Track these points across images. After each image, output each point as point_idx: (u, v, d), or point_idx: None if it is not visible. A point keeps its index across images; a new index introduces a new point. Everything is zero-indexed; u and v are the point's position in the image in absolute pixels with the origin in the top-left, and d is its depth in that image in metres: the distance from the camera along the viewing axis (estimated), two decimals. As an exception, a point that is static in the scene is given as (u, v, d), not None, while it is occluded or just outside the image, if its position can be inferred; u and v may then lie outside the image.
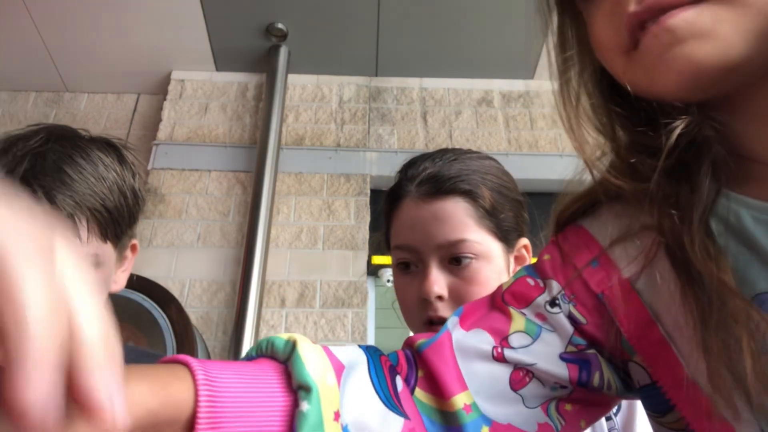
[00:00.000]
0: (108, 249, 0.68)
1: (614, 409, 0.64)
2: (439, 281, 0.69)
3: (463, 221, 0.70)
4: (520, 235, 0.76)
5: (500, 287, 0.50)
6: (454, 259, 0.70)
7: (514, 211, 0.75)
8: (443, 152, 0.77)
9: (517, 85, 2.63)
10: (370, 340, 2.08)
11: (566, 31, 0.47)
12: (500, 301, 0.48)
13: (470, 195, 0.71)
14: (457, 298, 0.69)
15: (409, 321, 0.74)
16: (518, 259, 0.76)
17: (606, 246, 0.45)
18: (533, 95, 2.61)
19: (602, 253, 0.45)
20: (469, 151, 0.79)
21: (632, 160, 0.41)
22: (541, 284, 0.47)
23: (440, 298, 0.69)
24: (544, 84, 2.64)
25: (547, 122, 2.53)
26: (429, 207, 0.71)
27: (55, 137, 0.68)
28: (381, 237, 0.82)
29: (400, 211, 0.74)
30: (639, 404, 0.63)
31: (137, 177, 0.73)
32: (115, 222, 0.68)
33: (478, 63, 2.56)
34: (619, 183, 0.42)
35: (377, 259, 2.18)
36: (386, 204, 0.79)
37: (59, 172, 0.63)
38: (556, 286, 0.46)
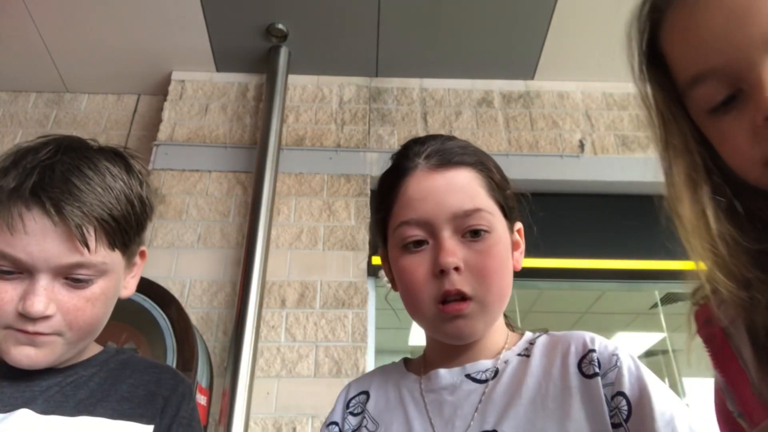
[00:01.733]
0: (116, 257, 0.70)
1: (624, 415, 0.60)
2: (455, 251, 0.66)
3: (476, 190, 0.69)
4: (516, 219, 0.76)
5: (726, 411, 0.55)
6: (470, 233, 0.67)
7: (513, 195, 0.75)
8: (441, 135, 0.77)
9: (517, 86, 2.63)
10: (370, 341, 2.08)
11: (687, 141, 0.52)
12: (731, 418, 0.54)
13: (480, 166, 0.71)
14: (473, 270, 0.66)
15: (417, 302, 0.69)
16: (515, 245, 0.75)
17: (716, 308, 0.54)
18: (533, 96, 2.61)
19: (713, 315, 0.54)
20: None
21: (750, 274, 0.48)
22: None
23: (457, 269, 0.66)
24: (544, 84, 2.64)
25: (547, 123, 2.53)
26: (442, 176, 0.69)
27: (64, 149, 0.69)
28: (375, 226, 0.77)
29: (408, 186, 0.70)
30: (655, 408, 0.58)
31: (144, 185, 0.74)
32: (123, 231, 0.69)
33: (478, 63, 2.56)
34: (739, 294, 0.48)
35: (378, 260, 2.18)
36: (387, 182, 0.74)
37: (67, 184, 0.65)
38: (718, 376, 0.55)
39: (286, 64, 2.43)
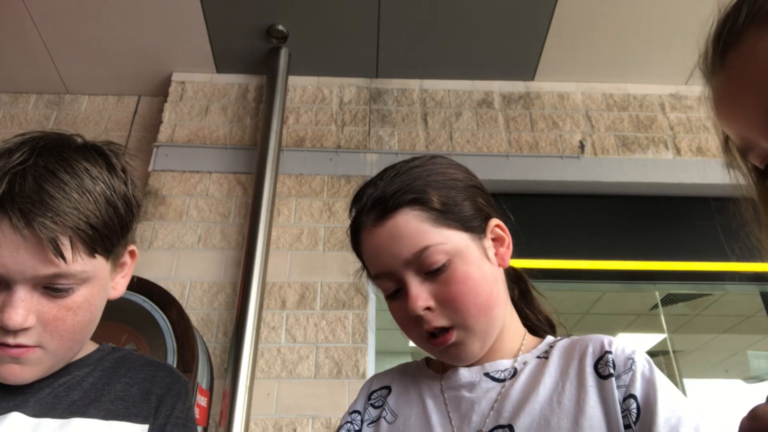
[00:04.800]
0: (98, 263, 0.67)
1: (633, 417, 0.61)
2: (420, 295, 0.68)
3: (419, 229, 0.69)
4: (488, 218, 0.75)
5: None
6: (429, 271, 0.69)
7: (470, 199, 0.74)
8: (386, 171, 0.76)
9: (517, 87, 2.63)
10: (371, 342, 2.08)
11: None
12: None
13: (417, 202, 0.70)
14: (444, 302, 0.68)
15: (413, 340, 0.74)
16: (497, 240, 0.75)
17: None
18: (534, 96, 2.61)
19: None
20: (414, 159, 0.77)
21: None
22: None
23: (429, 309, 0.68)
24: (544, 85, 2.64)
25: (547, 123, 2.53)
26: (383, 230, 0.70)
27: (40, 150, 0.64)
28: (362, 270, 0.81)
29: (363, 245, 0.74)
30: (660, 413, 0.59)
31: (129, 183, 0.70)
32: (104, 237, 0.66)
33: (478, 64, 2.56)
34: None
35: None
36: (351, 241, 0.79)
37: (40, 192, 0.61)
38: None
39: (286, 66, 2.43)
